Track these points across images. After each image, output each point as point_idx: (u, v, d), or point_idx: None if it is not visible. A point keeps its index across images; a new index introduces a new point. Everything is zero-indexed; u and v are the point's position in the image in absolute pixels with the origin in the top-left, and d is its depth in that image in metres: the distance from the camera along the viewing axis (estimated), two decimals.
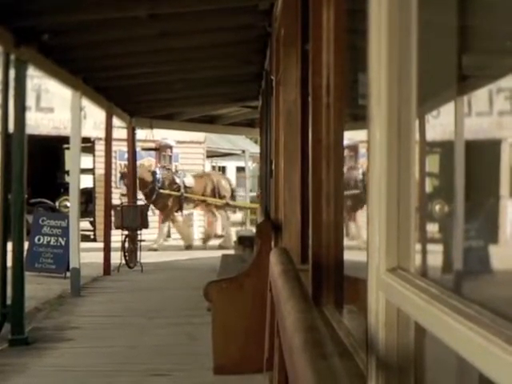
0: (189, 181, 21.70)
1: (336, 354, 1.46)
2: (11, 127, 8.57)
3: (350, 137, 6.91)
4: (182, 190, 21.45)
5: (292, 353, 1.59)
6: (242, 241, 14.38)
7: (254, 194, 29.83)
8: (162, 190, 20.87)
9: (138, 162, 19.87)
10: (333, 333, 2.57)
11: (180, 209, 21.50)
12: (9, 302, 8.48)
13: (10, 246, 8.52)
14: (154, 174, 21.11)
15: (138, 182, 19.48)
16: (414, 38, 1.80)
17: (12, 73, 8.57)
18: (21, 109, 8.48)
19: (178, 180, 21.44)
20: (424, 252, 3.20)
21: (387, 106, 1.81)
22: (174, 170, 22.03)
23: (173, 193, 21.09)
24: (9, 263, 8.52)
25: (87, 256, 14.80)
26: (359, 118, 3.96)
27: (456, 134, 3.13)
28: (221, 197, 21.96)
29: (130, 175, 17.53)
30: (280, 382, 2.38)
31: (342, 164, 3.79)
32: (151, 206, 20.56)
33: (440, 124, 3.69)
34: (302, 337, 1.55)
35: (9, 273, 8.52)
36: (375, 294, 1.81)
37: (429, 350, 1.87)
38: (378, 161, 1.84)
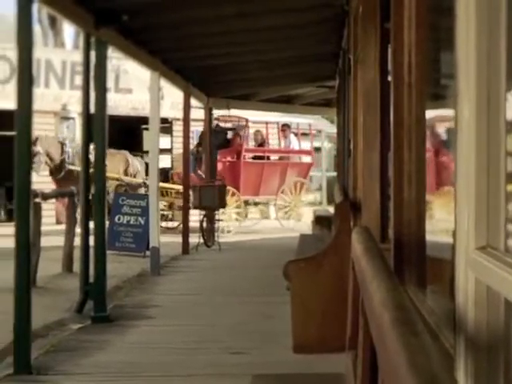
0: None
1: (426, 332, 1.47)
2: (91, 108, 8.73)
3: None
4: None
5: (381, 331, 1.60)
6: (320, 221, 14.35)
7: (332, 173, 29.26)
8: (71, 167, 18.45)
9: (44, 133, 18.21)
10: (417, 312, 2.57)
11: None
12: (91, 280, 8.66)
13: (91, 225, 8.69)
14: (63, 147, 18.72)
15: (44, 156, 18.05)
16: (503, 13, 1.78)
17: (92, 54, 8.72)
18: (102, 90, 8.60)
19: (89, 156, 19.14)
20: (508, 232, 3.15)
21: (476, 83, 1.80)
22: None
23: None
24: (91, 242, 8.70)
25: (165, 235, 14.98)
26: (437, 96, 3.92)
27: None
28: (134, 177, 20.06)
29: (208, 155, 17.62)
30: (365, 359, 2.39)
31: (424, 143, 3.76)
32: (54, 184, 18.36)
33: None
34: (391, 315, 1.56)
35: (91, 251, 8.70)
36: (464, 272, 1.81)
37: None
38: (467, 138, 1.83)
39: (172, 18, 9.78)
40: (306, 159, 22.69)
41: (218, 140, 20.08)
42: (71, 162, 18.48)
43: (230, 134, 20.89)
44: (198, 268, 12.99)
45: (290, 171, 21.14)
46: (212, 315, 8.84)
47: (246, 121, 21.04)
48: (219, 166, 19.78)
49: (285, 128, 22.19)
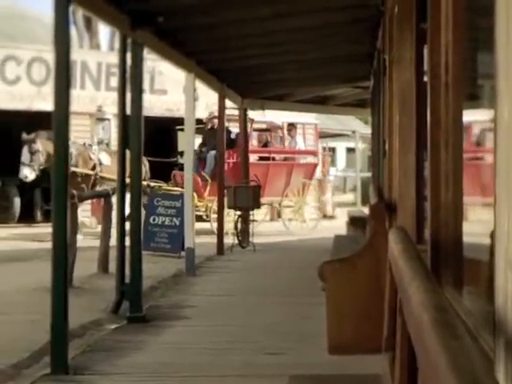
0: (104, 158, 18.60)
1: (467, 335, 1.46)
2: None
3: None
4: (98, 169, 18.30)
5: (420, 332, 1.59)
6: (354, 221, 14.32)
7: (367, 174, 29.01)
8: (74, 169, 17.47)
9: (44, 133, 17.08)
10: (455, 313, 2.55)
11: None
12: (127, 280, 8.69)
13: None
14: None
15: (43, 156, 17.38)
16: None
17: (128, 55, 8.75)
18: (138, 91, 8.64)
19: (93, 157, 18.49)
20: None
21: None
22: (87, 145, 18.97)
23: (88, 172, 18.14)
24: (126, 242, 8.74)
25: (200, 236, 15.02)
26: (474, 97, 3.90)
27: None
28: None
29: (242, 155, 17.62)
30: (403, 361, 2.38)
31: (461, 144, 3.74)
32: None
33: None
34: (431, 316, 1.55)
35: (126, 252, 8.73)
36: (504, 273, 1.80)
37: None
38: (506, 139, 1.82)
39: (207, 20, 9.81)
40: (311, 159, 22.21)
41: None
42: (74, 163, 17.70)
43: (233, 134, 20.12)
44: (233, 269, 13.01)
45: (296, 172, 20.60)
46: (247, 316, 8.86)
47: (252, 121, 20.25)
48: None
49: (291, 128, 21.63)
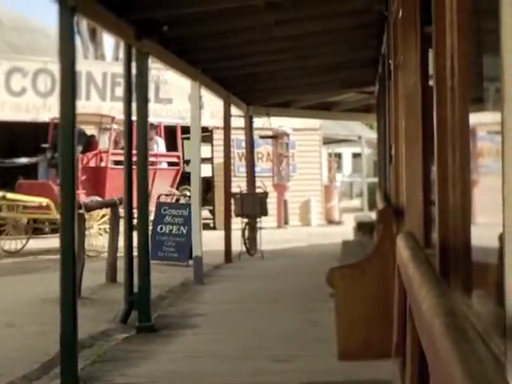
0: None
1: (479, 339, 1.45)
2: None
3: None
4: None
5: (432, 337, 1.59)
6: (361, 227, 14.32)
7: (373, 179, 28.99)
8: None
9: None
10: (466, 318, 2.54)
11: None
12: (135, 290, 8.69)
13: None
14: None
15: None
16: None
17: (133, 65, 8.77)
18: (143, 100, 8.65)
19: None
20: None
21: None
22: None
23: None
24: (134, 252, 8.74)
25: (207, 244, 15.00)
26: (480, 100, 3.89)
27: None
28: None
29: (250, 163, 17.60)
30: (413, 366, 2.38)
31: (468, 147, 3.73)
32: None
33: None
34: (442, 321, 1.55)
35: (134, 262, 8.73)
36: None
37: None
38: None
39: (211, 28, 9.83)
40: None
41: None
42: None
43: (85, 137, 18.40)
44: (241, 276, 13.00)
45: (159, 179, 18.62)
46: (257, 323, 8.84)
47: (112, 119, 18.97)
48: (80, 172, 17.04)
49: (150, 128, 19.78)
